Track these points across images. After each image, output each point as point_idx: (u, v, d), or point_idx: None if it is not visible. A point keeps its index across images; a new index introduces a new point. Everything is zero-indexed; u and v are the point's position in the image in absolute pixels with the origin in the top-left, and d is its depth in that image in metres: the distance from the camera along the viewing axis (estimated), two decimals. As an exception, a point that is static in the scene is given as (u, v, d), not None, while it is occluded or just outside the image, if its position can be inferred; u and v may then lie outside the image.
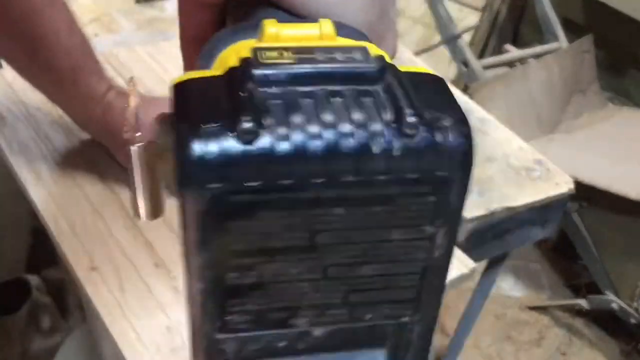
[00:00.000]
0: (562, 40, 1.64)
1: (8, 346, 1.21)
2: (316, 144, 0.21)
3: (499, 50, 1.79)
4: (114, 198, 0.66)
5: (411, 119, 0.21)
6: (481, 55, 2.08)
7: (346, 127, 0.21)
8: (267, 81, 0.22)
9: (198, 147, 0.20)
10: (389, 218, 0.22)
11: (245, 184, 0.21)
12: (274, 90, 0.22)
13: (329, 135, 0.21)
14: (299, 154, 0.21)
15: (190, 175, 0.21)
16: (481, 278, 1.04)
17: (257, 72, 0.22)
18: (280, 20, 0.25)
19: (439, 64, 1.95)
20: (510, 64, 1.63)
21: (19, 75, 0.66)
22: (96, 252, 0.61)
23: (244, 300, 0.23)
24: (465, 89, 1.55)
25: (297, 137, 0.21)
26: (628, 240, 1.50)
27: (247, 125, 0.20)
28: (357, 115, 0.21)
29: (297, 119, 0.21)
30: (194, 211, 0.21)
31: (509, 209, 0.79)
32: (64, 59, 0.62)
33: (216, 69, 0.24)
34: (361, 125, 0.21)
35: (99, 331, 0.61)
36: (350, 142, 0.21)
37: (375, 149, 0.21)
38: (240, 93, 0.21)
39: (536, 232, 0.87)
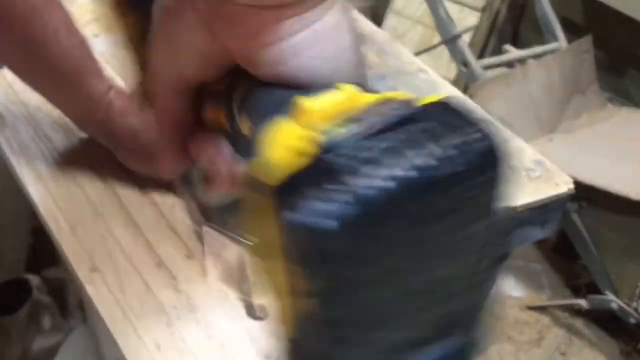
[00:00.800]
0: (562, 41, 1.64)
1: (8, 346, 1.22)
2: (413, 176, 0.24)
3: (498, 51, 1.79)
4: (114, 198, 0.66)
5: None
6: (481, 55, 2.08)
7: (437, 152, 0.24)
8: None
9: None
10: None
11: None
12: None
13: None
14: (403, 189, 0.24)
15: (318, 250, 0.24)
16: (481, 278, 1.04)
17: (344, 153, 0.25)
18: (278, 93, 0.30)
19: (439, 64, 1.95)
20: (510, 64, 1.63)
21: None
22: (96, 252, 0.61)
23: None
24: (465, 89, 1.55)
25: (398, 173, 0.24)
26: (628, 240, 1.50)
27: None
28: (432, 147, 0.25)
29: (393, 159, 0.24)
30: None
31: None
32: (63, 60, 0.62)
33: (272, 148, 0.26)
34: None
35: (100, 331, 0.61)
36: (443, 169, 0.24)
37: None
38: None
39: (536, 232, 0.87)
